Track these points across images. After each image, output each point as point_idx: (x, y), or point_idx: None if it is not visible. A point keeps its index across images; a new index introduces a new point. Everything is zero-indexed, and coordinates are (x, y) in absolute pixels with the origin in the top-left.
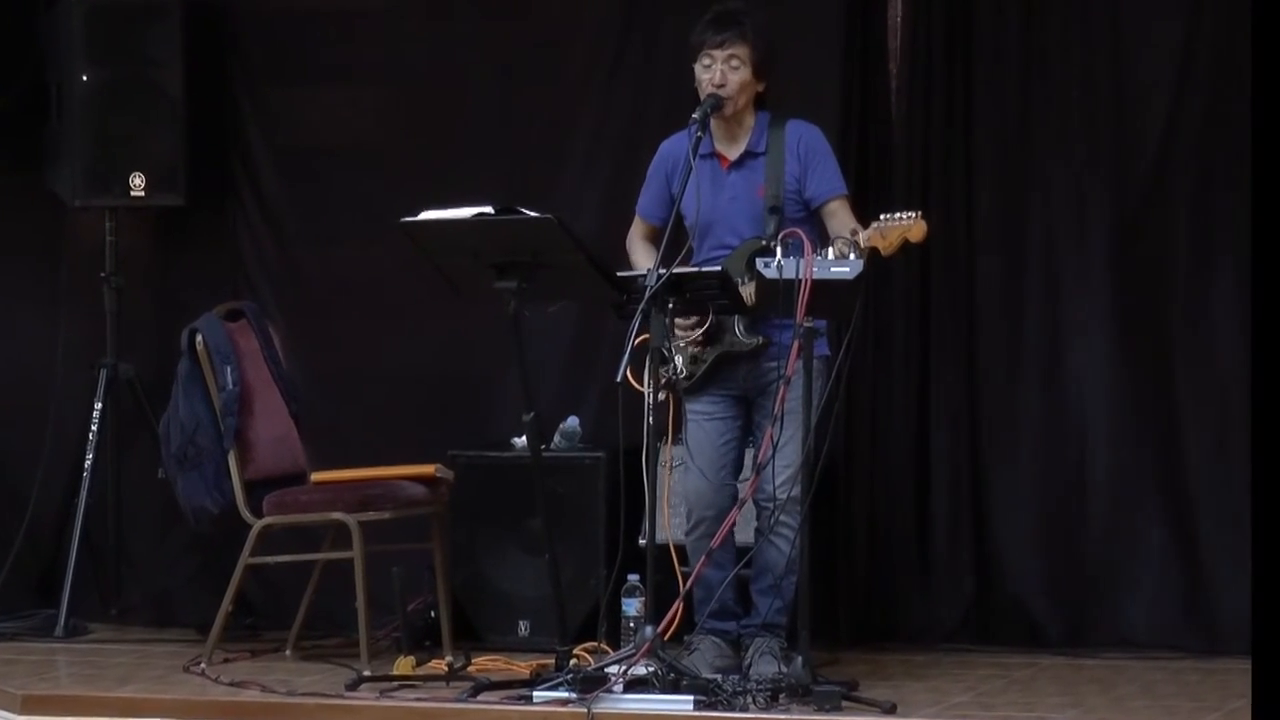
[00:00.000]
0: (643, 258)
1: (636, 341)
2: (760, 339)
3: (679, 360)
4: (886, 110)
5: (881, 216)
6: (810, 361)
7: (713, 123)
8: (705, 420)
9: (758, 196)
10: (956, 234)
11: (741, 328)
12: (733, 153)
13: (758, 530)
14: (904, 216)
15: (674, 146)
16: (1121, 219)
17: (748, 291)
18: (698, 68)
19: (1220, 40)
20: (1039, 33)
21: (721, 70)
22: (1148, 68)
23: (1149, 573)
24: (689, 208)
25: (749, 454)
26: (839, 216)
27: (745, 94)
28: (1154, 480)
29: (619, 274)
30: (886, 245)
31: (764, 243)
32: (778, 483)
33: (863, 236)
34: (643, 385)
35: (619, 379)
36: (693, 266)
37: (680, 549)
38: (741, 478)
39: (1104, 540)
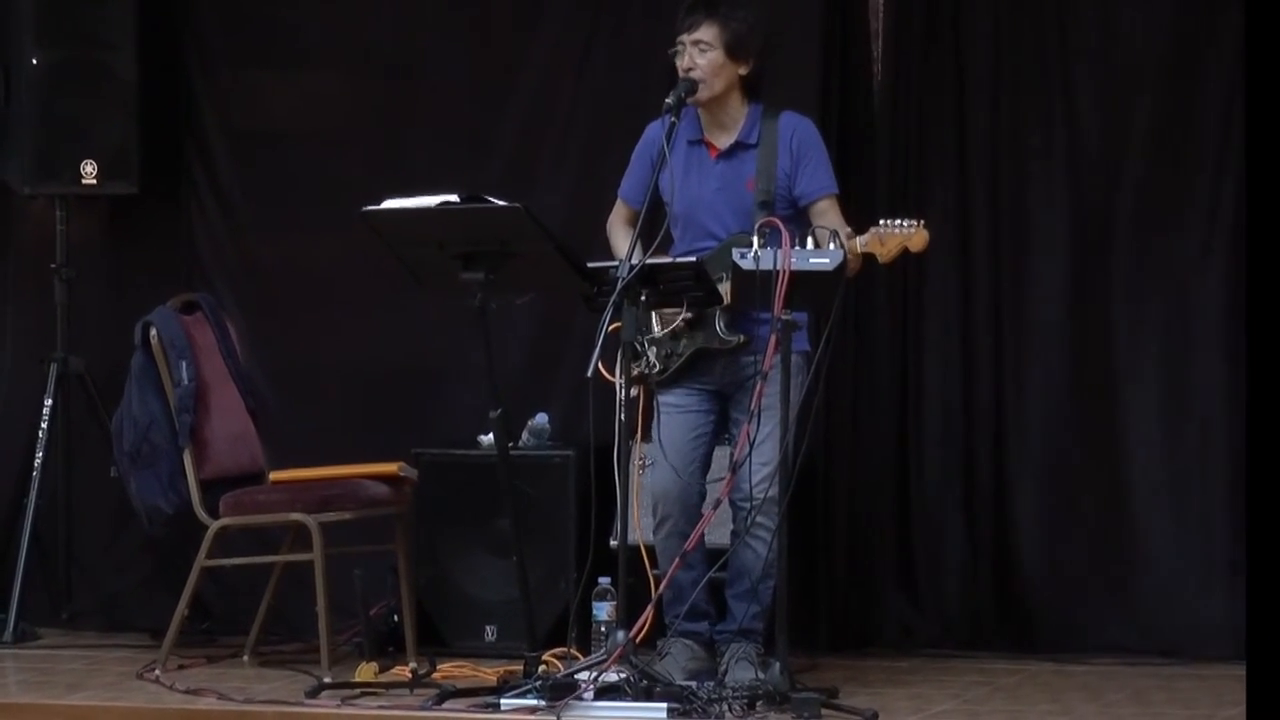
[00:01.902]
0: (623, 242)
1: (610, 329)
2: (741, 337)
3: (652, 354)
4: (868, 93)
5: (881, 222)
6: (789, 356)
7: (699, 110)
8: (678, 413)
9: (746, 190)
10: (940, 223)
11: (723, 325)
12: (722, 142)
13: (734, 532)
14: (905, 224)
15: (659, 130)
16: (1110, 208)
17: (725, 289)
18: (675, 58)
19: (1209, 33)
20: (1025, 14)
21: (690, 55)
22: (1135, 55)
23: (1139, 576)
24: (667, 194)
25: (723, 453)
26: (828, 217)
27: (721, 78)
28: (1144, 480)
29: (590, 264)
30: (885, 252)
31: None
32: (754, 481)
33: (860, 241)
34: (614, 376)
35: (590, 374)
36: (670, 257)
37: (650, 550)
38: (714, 477)
39: (1093, 542)
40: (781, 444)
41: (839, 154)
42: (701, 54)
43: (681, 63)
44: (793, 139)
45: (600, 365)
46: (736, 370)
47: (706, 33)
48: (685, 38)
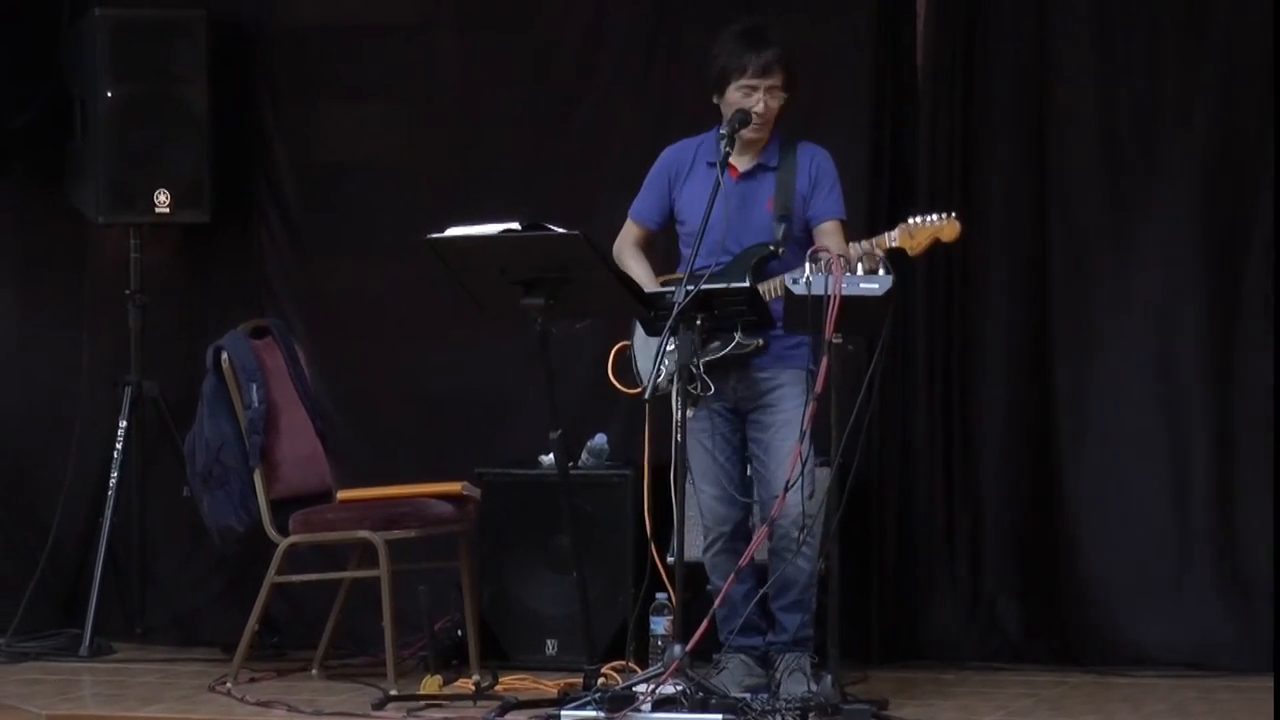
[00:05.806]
0: (634, 263)
1: (617, 349)
2: (759, 341)
3: (668, 365)
4: (915, 114)
5: (910, 219)
6: (836, 377)
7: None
8: (706, 437)
9: (765, 209)
10: (986, 244)
11: (739, 332)
12: (743, 164)
13: (771, 550)
14: (935, 217)
15: (678, 153)
16: (1153, 224)
17: (765, 287)
18: (735, 93)
19: (1258, 45)
20: (1061, 36)
21: (765, 101)
22: (1175, 72)
23: (1181, 590)
24: (686, 213)
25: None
26: (832, 238)
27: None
28: (1187, 496)
29: (647, 290)
30: (914, 245)
31: (771, 248)
32: (792, 500)
33: (890, 236)
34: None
35: (647, 396)
36: (684, 272)
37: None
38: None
39: (1134, 557)
40: (834, 460)
41: (891, 169)
42: (774, 99)
43: (755, 107)
44: (812, 164)
45: (613, 374)
46: (749, 386)
47: (779, 78)
48: (759, 82)
